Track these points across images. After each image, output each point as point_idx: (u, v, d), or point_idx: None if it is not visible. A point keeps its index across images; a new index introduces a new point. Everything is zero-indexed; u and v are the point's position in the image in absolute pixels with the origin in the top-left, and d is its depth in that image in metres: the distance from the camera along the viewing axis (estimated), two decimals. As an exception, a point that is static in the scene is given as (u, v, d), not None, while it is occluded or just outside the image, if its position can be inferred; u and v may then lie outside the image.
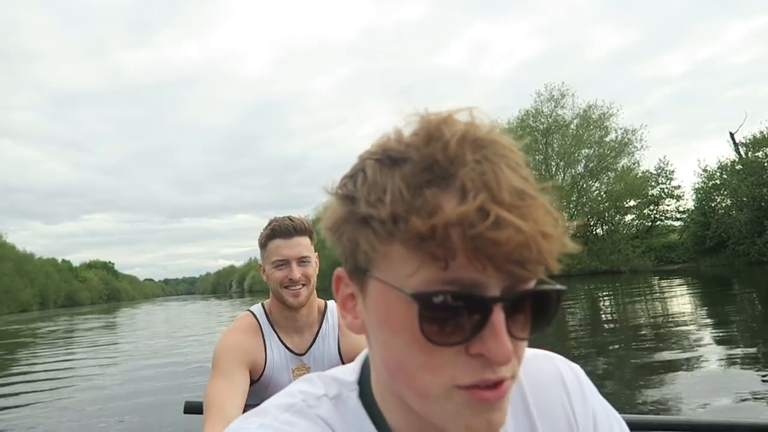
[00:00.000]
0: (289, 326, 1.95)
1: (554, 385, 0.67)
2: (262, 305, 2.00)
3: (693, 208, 39.76)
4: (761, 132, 35.13)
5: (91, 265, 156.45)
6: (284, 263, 1.86)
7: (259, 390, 1.88)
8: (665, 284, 23.44)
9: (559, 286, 0.51)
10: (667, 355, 7.69)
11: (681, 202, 43.18)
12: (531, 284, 0.49)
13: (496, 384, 0.49)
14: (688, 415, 4.91)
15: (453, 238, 0.44)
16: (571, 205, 44.09)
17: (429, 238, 0.45)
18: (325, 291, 1.38)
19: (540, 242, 0.45)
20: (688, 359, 7.31)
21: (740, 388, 5.63)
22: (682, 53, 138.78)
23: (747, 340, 8.38)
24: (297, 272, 1.85)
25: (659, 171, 44.28)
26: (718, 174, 37.11)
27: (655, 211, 44.60)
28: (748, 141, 36.13)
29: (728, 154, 38.69)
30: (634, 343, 8.96)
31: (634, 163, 44.88)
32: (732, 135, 39.13)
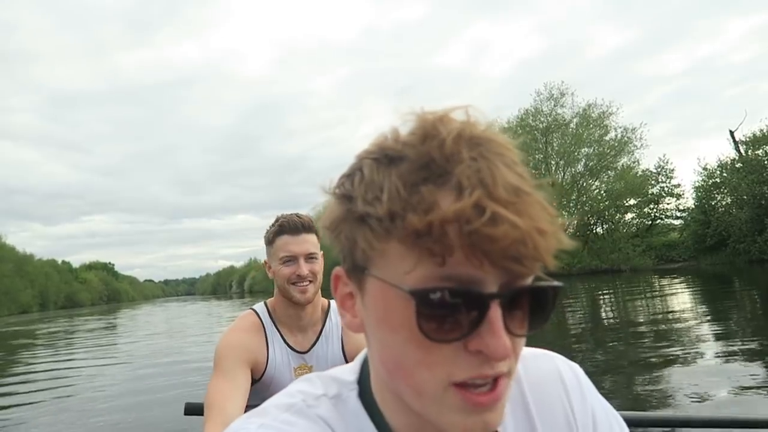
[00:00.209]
0: (293, 324, 1.94)
1: (553, 384, 0.67)
2: (265, 304, 1.99)
3: (693, 206, 39.81)
4: (761, 130, 35.17)
5: (91, 266, 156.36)
6: (292, 259, 1.86)
7: (260, 389, 1.87)
8: (666, 283, 23.40)
9: (556, 283, 0.51)
10: (667, 353, 7.68)
11: (681, 201, 43.31)
12: (528, 281, 0.49)
13: (492, 385, 0.49)
14: (688, 411, 4.93)
15: (449, 234, 0.45)
16: (571, 204, 44.09)
17: (426, 234, 0.45)
18: (326, 291, 1.38)
19: (536, 238, 0.45)
20: (688, 357, 7.31)
21: (740, 384, 5.65)
22: (682, 51, 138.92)
23: (747, 338, 8.35)
24: (305, 268, 1.86)
25: (659, 169, 44.36)
26: (719, 172, 37.13)
27: (655, 210, 44.64)
28: (748, 139, 36.14)
29: (728, 152, 38.82)
30: (634, 342, 8.96)
31: (634, 162, 45.00)
32: (732, 133, 39.16)
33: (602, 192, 44.97)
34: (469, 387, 0.49)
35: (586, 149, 45.40)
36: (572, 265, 39.53)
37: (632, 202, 44.50)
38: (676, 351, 7.79)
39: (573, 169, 45.99)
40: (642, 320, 11.84)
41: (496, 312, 0.47)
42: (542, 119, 46.51)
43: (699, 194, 38.30)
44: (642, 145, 44.56)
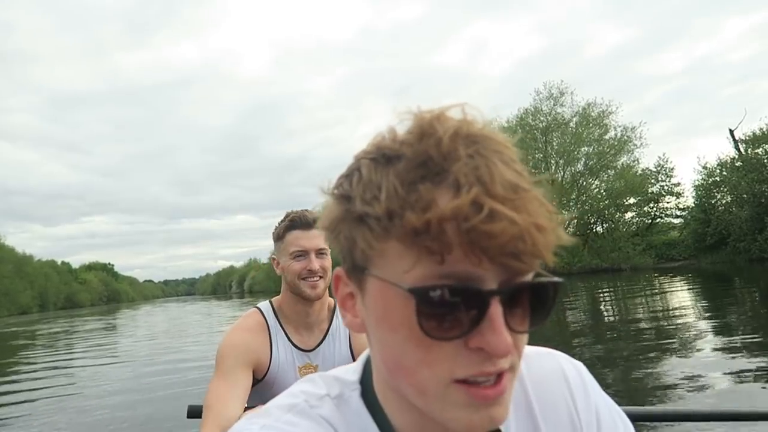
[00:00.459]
0: (300, 322, 1.92)
1: (557, 382, 0.67)
2: (270, 302, 1.97)
3: (693, 205, 39.82)
4: (761, 129, 35.15)
5: (91, 267, 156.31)
6: (303, 254, 1.86)
7: (264, 388, 1.85)
8: (666, 282, 23.41)
9: (555, 278, 0.51)
10: (667, 351, 7.69)
11: (681, 200, 43.36)
12: (528, 277, 0.49)
13: (496, 380, 0.49)
14: (689, 405, 4.95)
15: (448, 232, 0.45)
16: (571, 203, 44.08)
17: (424, 232, 0.45)
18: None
19: (534, 234, 0.45)
20: (688, 354, 7.33)
21: (740, 380, 5.70)
22: (681, 50, 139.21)
23: (747, 336, 8.37)
24: (316, 263, 1.85)
25: (659, 168, 44.39)
26: (718, 171, 37.14)
27: (655, 209, 44.66)
28: (747, 138, 36.14)
29: (728, 151, 38.86)
30: (635, 340, 8.97)
31: (633, 161, 45.02)
32: (732, 132, 39.17)
33: (602, 191, 44.99)
34: (472, 382, 0.49)
35: (586, 148, 45.41)
36: (572, 264, 39.55)
37: (632, 200, 44.57)
38: (676, 348, 7.80)
39: (573, 168, 46.01)
40: (642, 319, 11.85)
41: (496, 309, 0.47)
42: (542, 118, 46.51)
43: (699, 193, 38.33)
44: (642, 144, 44.68)
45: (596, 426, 0.66)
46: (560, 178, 44.75)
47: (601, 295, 20.42)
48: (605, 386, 0.70)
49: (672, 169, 44.17)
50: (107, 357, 13.76)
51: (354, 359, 1.88)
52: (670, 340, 8.56)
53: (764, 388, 5.37)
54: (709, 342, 8.07)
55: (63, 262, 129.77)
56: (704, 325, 9.95)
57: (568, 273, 37.94)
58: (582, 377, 0.69)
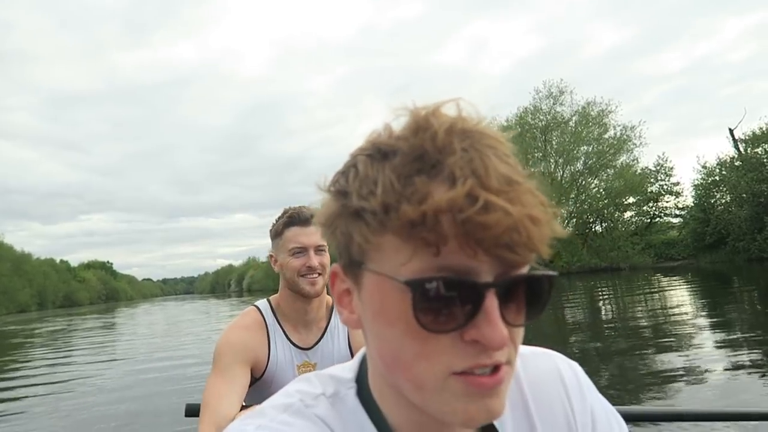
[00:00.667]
0: (298, 319, 1.91)
1: (553, 382, 0.67)
2: (268, 300, 1.96)
3: (692, 204, 39.85)
4: (760, 128, 35.17)
5: (90, 265, 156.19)
6: (302, 251, 1.85)
7: (262, 387, 1.85)
8: (665, 281, 23.44)
9: (550, 272, 0.52)
10: (666, 351, 7.68)
11: (680, 199, 43.38)
12: (523, 270, 0.50)
13: (493, 370, 0.49)
14: (686, 405, 4.97)
15: (443, 223, 0.45)
16: (571, 202, 44.09)
17: (420, 224, 0.46)
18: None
19: (528, 226, 0.46)
20: (687, 354, 7.32)
21: (737, 379, 5.70)
22: (679, 50, 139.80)
23: (745, 335, 8.40)
24: (315, 260, 1.84)
25: (658, 168, 44.38)
26: (718, 170, 37.17)
27: (654, 208, 44.71)
28: (747, 137, 36.15)
29: (727, 151, 38.85)
30: (634, 340, 8.97)
31: (633, 160, 45.01)
32: (731, 131, 39.19)
33: (601, 190, 45.01)
34: (469, 373, 0.49)
35: (586, 147, 45.39)
36: (571, 263, 39.58)
37: (631, 200, 44.63)
38: (674, 348, 7.79)
39: (572, 168, 46.01)
40: (641, 318, 11.85)
41: (492, 301, 0.47)
42: (541, 117, 46.47)
43: (698, 192, 38.36)
44: (641, 143, 44.65)
45: (591, 427, 0.67)
46: (560, 177, 44.78)
47: (600, 294, 20.42)
48: (603, 385, 0.70)
49: (671, 168, 44.25)
50: (106, 355, 13.75)
51: (353, 357, 1.91)
52: (669, 340, 8.56)
53: (762, 387, 5.37)
54: (707, 341, 8.07)
55: (61, 261, 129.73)
56: (703, 324, 9.95)
57: (567, 272, 37.96)
58: (578, 378, 0.69)
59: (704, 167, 38.23)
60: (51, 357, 14.24)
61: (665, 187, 44.02)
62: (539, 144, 45.57)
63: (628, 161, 44.88)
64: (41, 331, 26.59)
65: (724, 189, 36.38)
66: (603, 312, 14.35)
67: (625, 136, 44.52)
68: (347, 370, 0.64)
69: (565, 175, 45.63)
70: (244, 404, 1.70)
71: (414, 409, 0.55)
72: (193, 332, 18.22)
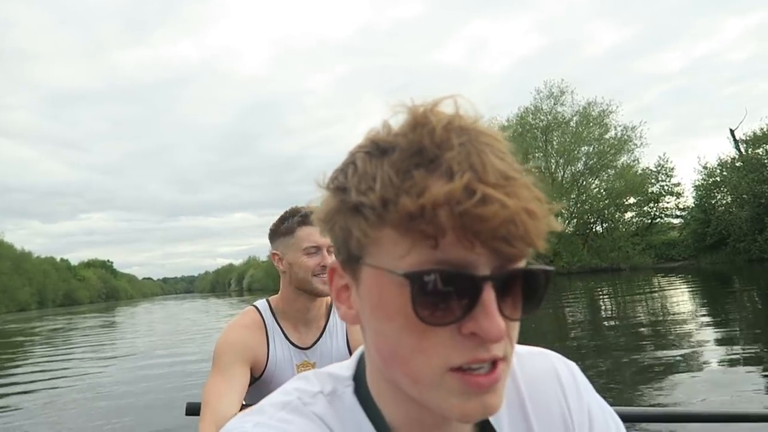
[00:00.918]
0: (299, 318, 1.91)
1: (550, 382, 0.67)
2: (267, 301, 1.96)
3: (693, 205, 39.84)
4: (761, 129, 35.15)
5: (90, 264, 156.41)
6: (317, 250, 1.85)
7: (261, 387, 1.85)
8: (665, 282, 23.42)
9: (547, 267, 0.52)
10: (666, 351, 7.68)
11: (681, 200, 43.36)
12: (520, 265, 0.50)
13: (491, 368, 0.50)
14: (684, 406, 4.97)
15: (441, 216, 0.46)
16: (571, 203, 44.07)
17: (419, 216, 0.46)
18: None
19: (525, 219, 0.46)
20: (687, 355, 7.31)
21: (736, 380, 5.69)
22: (680, 50, 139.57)
23: (747, 336, 8.39)
24: (329, 259, 1.84)
25: (659, 168, 44.36)
26: (718, 171, 37.15)
27: (655, 209, 44.66)
28: (748, 138, 36.12)
29: (728, 151, 38.84)
30: (634, 340, 8.96)
31: (633, 161, 45.01)
32: (732, 132, 39.16)
33: (602, 190, 45.00)
34: (467, 370, 0.49)
35: (586, 148, 45.40)
36: (572, 264, 39.56)
37: (632, 200, 44.59)
38: (674, 348, 7.79)
39: (573, 168, 46.03)
40: (641, 319, 11.84)
41: (489, 294, 0.48)
42: (542, 117, 46.49)
43: (699, 193, 38.34)
44: (642, 143, 44.66)
45: (588, 426, 0.67)
46: (560, 178, 44.80)
47: (600, 294, 20.41)
48: (601, 386, 0.70)
49: (672, 168, 44.19)
50: (106, 354, 13.75)
51: (351, 355, 1.90)
52: (669, 341, 8.55)
53: (762, 389, 5.35)
54: (707, 343, 8.06)
55: (62, 259, 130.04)
56: (703, 325, 9.93)
57: (567, 272, 37.95)
58: (575, 378, 0.70)
59: (705, 168, 38.27)
60: (51, 355, 14.24)
61: (666, 187, 44.02)
62: (540, 144, 45.58)
63: (628, 161, 44.97)
64: (41, 330, 26.59)
65: (725, 190, 36.37)
66: (603, 312, 14.33)
67: (625, 137, 44.58)
68: (345, 368, 0.64)
69: (565, 176, 45.65)
70: (243, 403, 1.70)
71: (411, 406, 0.55)
72: (193, 331, 18.23)
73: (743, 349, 7.26)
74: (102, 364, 11.65)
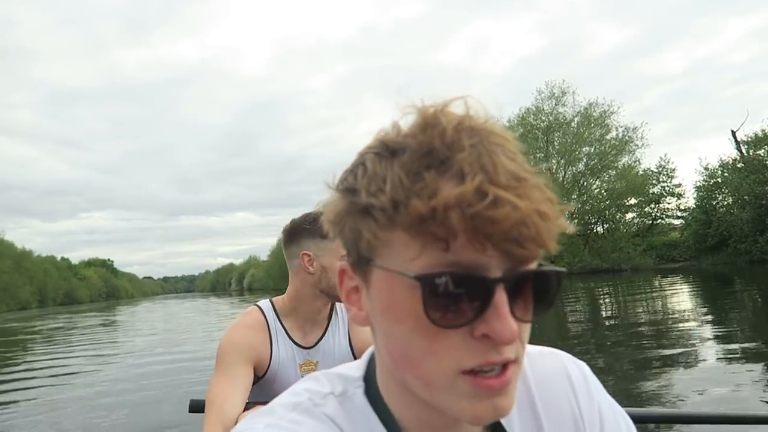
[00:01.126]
0: (309, 319, 1.91)
1: (560, 381, 0.67)
2: (270, 301, 1.95)
3: (694, 206, 39.84)
4: (763, 130, 35.13)
5: (90, 263, 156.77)
6: None
7: (265, 386, 1.85)
8: (666, 282, 23.40)
9: (559, 268, 0.52)
10: (667, 351, 7.67)
11: (682, 201, 43.35)
12: (531, 266, 0.50)
13: (501, 370, 0.50)
14: (689, 408, 4.94)
15: (452, 218, 0.45)
16: (572, 203, 44.05)
17: (430, 219, 0.46)
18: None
19: (537, 221, 0.46)
20: (688, 355, 7.31)
21: (740, 382, 5.66)
22: (681, 51, 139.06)
23: (748, 337, 8.37)
24: None
25: (660, 169, 44.36)
26: (720, 172, 37.14)
27: (656, 210, 44.67)
28: (749, 139, 36.10)
29: (729, 152, 38.76)
30: (634, 340, 8.96)
31: (635, 161, 44.97)
32: (734, 133, 39.13)
33: (603, 191, 44.99)
34: (478, 373, 0.49)
35: (587, 148, 45.38)
36: (573, 264, 39.54)
37: (633, 201, 44.59)
38: (676, 349, 7.78)
39: (574, 169, 46.00)
40: (642, 319, 11.84)
41: (501, 296, 0.48)
42: (543, 118, 46.50)
43: (700, 194, 38.34)
44: (643, 144, 44.64)
45: (599, 426, 0.67)
46: (561, 178, 44.75)
47: (602, 295, 20.40)
48: (605, 387, 0.71)
49: (673, 169, 44.18)
50: (107, 352, 13.74)
51: (353, 354, 1.93)
52: (671, 342, 8.54)
53: (764, 391, 5.32)
54: (709, 345, 8.04)
55: (62, 258, 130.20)
56: (704, 327, 9.92)
57: (568, 273, 37.84)
58: (585, 377, 0.70)
59: (706, 169, 38.26)
60: (52, 353, 14.22)
61: (667, 188, 44.04)
62: (541, 145, 45.55)
63: (629, 162, 44.93)
64: (42, 329, 26.60)
65: (726, 191, 36.35)
66: (605, 313, 14.32)
67: (627, 138, 44.57)
68: (355, 368, 0.64)
69: (566, 176, 45.61)
70: (247, 402, 1.70)
71: (422, 407, 0.55)
72: (194, 330, 18.22)
73: (746, 351, 7.23)
74: (104, 362, 11.63)
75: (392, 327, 0.52)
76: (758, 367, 6.23)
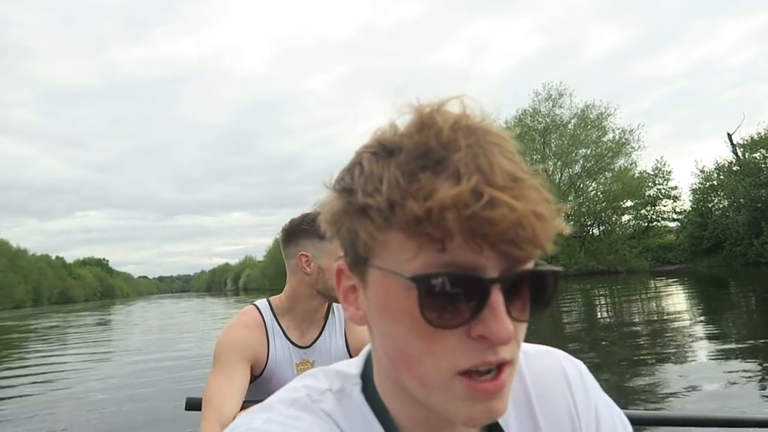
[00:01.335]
0: (305, 318, 1.92)
1: (557, 380, 0.67)
2: (268, 300, 1.95)
3: (690, 208, 39.98)
4: (759, 133, 35.29)
5: (86, 262, 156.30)
6: None
7: (261, 385, 1.85)
8: (662, 285, 23.51)
9: (555, 268, 0.52)
10: (664, 354, 7.70)
11: (678, 203, 43.51)
12: (528, 266, 0.50)
13: (496, 373, 0.50)
14: (685, 410, 4.97)
15: (449, 219, 0.45)
16: (569, 204, 44.11)
17: (426, 220, 0.46)
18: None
19: (533, 222, 0.46)
20: (683, 358, 7.34)
21: (737, 384, 5.68)
22: (679, 53, 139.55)
23: (743, 340, 8.40)
24: None
25: (656, 171, 44.48)
26: (716, 175, 37.28)
27: (652, 212, 44.82)
28: (745, 142, 36.26)
29: (725, 155, 38.94)
30: (630, 342, 9.01)
31: (631, 164, 45.11)
32: (730, 136, 39.26)
33: (599, 193, 45.11)
34: (474, 375, 0.49)
35: (584, 150, 45.50)
36: (569, 266, 39.59)
37: (629, 203, 44.74)
38: (671, 351, 7.82)
39: (570, 170, 46.13)
40: (638, 322, 11.90)
41: (497, 296, 0.48)
42: (540, 119, 46.59)
43: (696, 197, 38.51)
44: (639, 146, 44.75)
45: (595, 425, 0.67)
46: (558, 180, 44.84)
47: (597, 297, 20.46)
48: (602, 388, 0.71)
49: (669, 172, 44.33)
50: (103, 351, 13.74)
51: (350, 354, 1.93)
52: (666, 344, 8.57)
53: (760, 392, 5.36)
54: (704, 346, 8.08)
55: (57, 257, 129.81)
56: (700, 329, 9.96)
57: (564, 275, 37.93)
58: (582, 376, 0.70)
59: (702, 171, 38.41)
60: (47, 353, 14.20)
61: (663, 191, 44.19)
62: (538, 146, 45.62)
63: (626, 164, 45.06)
64: (37, 327, 26.52)
65: (722, 194, 36.50)
66: (600, 315, 14.38)
67: (623, 140, 44.68)
68: (353, 366, 0.64)
69: (563, 178, 45.70)
70: (244, 401, 1.70)
71: (418, 406, 0.55)
72: (189, 329, 18.22)
73: (740, 353, 7.28)
74: (99, 361, 11.62)
75: (389, 327, 0.52)
76: (754, 369, 6.26)
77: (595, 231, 45.73)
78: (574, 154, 45.39)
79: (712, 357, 7.24)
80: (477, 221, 0.45)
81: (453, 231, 0.46)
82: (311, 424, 0.57)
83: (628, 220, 45.71)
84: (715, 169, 37.50)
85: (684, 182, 65.35)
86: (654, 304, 15.83)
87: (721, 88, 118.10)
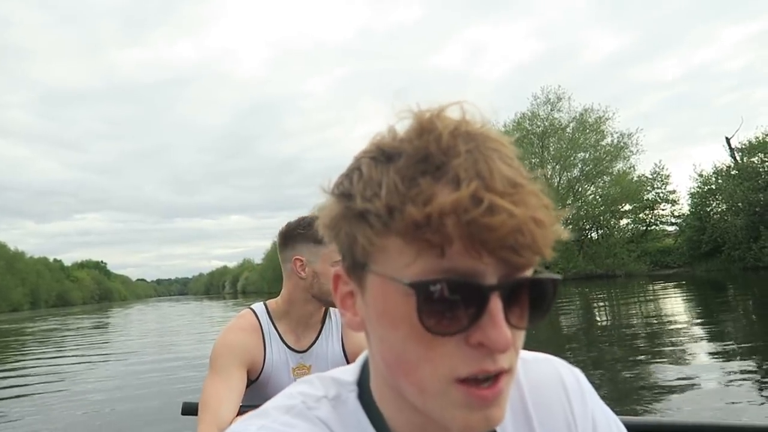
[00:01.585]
0: (301, 322, 1.91)
1: (554, 387, 0.67)
2: (264, 304, 1.95)
3: (688, 212, 40.01)
4: (757, 137, 35.35)
5: (83, 265, 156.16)
6: None
7: (258, 389, 1.85)
8: (660, 289, 23.51)
9: (555, 275, 0.52)
10: (662, 359, 7.68)
11: (676, 207, 43.54)
12: (527, 273, 0.50)
13: (494, 381, 0.50)
14: (683, 417, 4.94)
15: (448, 225, 0.45)
16: (568, 210, 44.12)
17: (425, 225, 0.46)
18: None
19: (533, 228, 0.46)
20: (683, 363, 7.31)
21: (734, 391, 5.65)
22: (678, 57, 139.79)
23: (743, 345, 8.38)
24: None
25: (655, 175, 44.52)
26: (714, 179, 37.32)
27: (650, 216, 44.83)
28: (743, 146, 36.33)
29: (724, 159, 38.98)
30: (629, 347, 8.97)
31: (629, 167, 45.08)
32: (728, 140, 39.34)
33: (598, 197, 45.12)
34: (471, 382, 0.49)
35: (583, 154, 45.50)
36: (567, 270, 39.60)
37: (627, 207, 44.73)
38: (670, 357, 7.78)
39: (569, 174, 46.12)
40: (636, 326, 11.88)
41: (496, 303, 0.47)
42: (539, 123, 46.62)
43: (694, 200, 38.51)
44: (638, 150, 44.75)
45: None
46: (556, 184, 44.87)
47: (595, 301, 20.45)
48: (597, 393, 0.71)
49: (668, 176, 44.32)
50: (100, 354, 13.70)
51: (346, 359, 1.93)
52: (664, 348, 8.55)
53: (758, 399, 5.32)
54: (702, 351, 8.06)
55: (55, 260, 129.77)
56: (698, 333, 9.95)
57: (562, 279, 37.92)
58: (580, 384, 0.70)
59: (700, 175, 38.43)
60: (44, 356, 14.15)
61: (661, 194, 44.21)
62: (536, 150, 45.68)
63: (624, 168, 45.02)
64: (34, 331, 26.46)
65: (720, 198, 36.52)
66: (598, 319, 14.37)
67: (622, 144, 44.72)
68: (349, 372, 0.64)
69: (561, 182, 45.73)
70: (241, 406, 1.69)
71: (415, 413, 0.55)
72: (186, 333, 18.20)
73: (738, 358, 7.26)
74: (96, 365, 11.58)
75: (387, 333, 0.52)
76: (754, 375, 6.23)
77: (594, 235, 45.78)
78: (572, 158, 45.41)
79: (711, 361, 7.23)
80: (476, 227, 0.45)
81: (452, 237, 0.45)
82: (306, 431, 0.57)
83: (627, 224, 45.72)
84: (714, 173, 37.54)
85: (682, 186, 65.67)
86: (652, 308, 15.82)
87: (720, 93, 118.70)
